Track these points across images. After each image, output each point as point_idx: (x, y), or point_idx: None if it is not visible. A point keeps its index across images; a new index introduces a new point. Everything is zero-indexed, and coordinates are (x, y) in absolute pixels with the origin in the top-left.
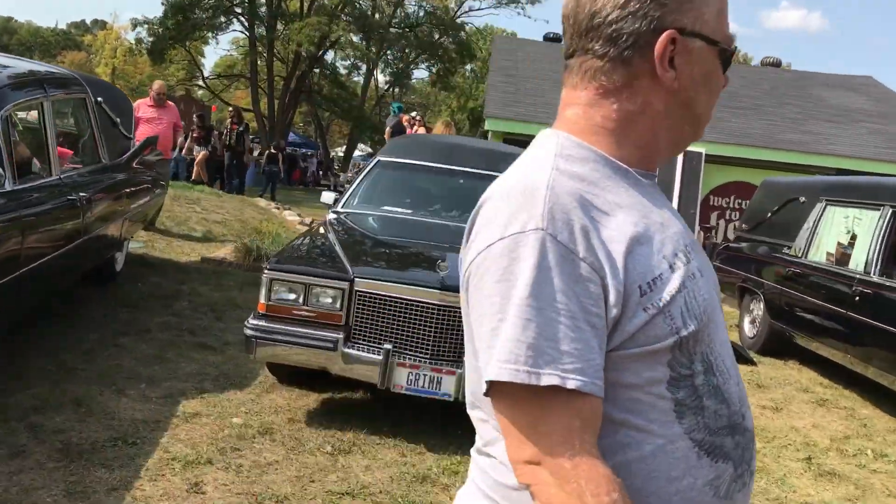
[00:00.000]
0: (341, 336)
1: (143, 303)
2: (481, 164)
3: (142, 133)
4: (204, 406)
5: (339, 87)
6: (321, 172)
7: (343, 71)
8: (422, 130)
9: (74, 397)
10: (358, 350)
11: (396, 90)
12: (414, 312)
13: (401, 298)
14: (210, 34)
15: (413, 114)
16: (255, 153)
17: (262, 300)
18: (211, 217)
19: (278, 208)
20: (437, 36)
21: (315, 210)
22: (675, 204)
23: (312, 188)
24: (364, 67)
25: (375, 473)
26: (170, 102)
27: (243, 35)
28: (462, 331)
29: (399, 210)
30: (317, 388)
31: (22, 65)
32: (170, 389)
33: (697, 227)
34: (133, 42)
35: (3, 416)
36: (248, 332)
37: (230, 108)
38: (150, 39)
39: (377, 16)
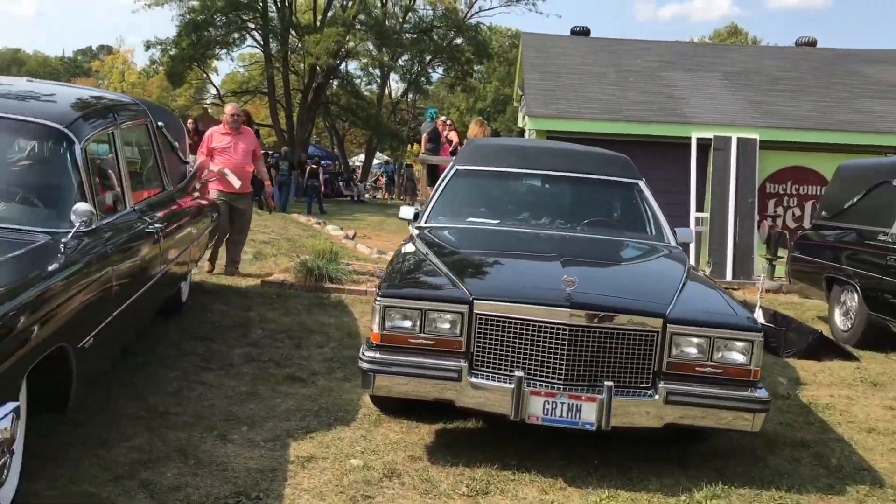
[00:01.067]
0: (465, 364)
1: (215, 333)
2: (570, 167)
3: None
4: (316, 448)
5: (356, 96)
6: (341, 183)
7: (358, 80)
8: (453, 134)
9: (178, 447)
10: (484, 379)
11: (410, 96)
12: (543, 334)
13: (527, 320)
14: (224, 51)
15: (443, 118)
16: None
17: (376, 329)
18: (257, 237)
19: (319, 223)
20: (451, 38)
21: (350, 222)
22: (731, 193)
23: (335, 200)
24: (378, 75)
25: None
26: (245, 127)
27: (255, 51)
28: (599, 352)
29: (487, 222)
30: (426, 419)
31: (86, 93)
32: (274, 430)
33: (756, 217)
34: (148, 63)
35: (113, 474)
36: (365, 364)
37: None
38: (165, 61)
39: (389, 22)
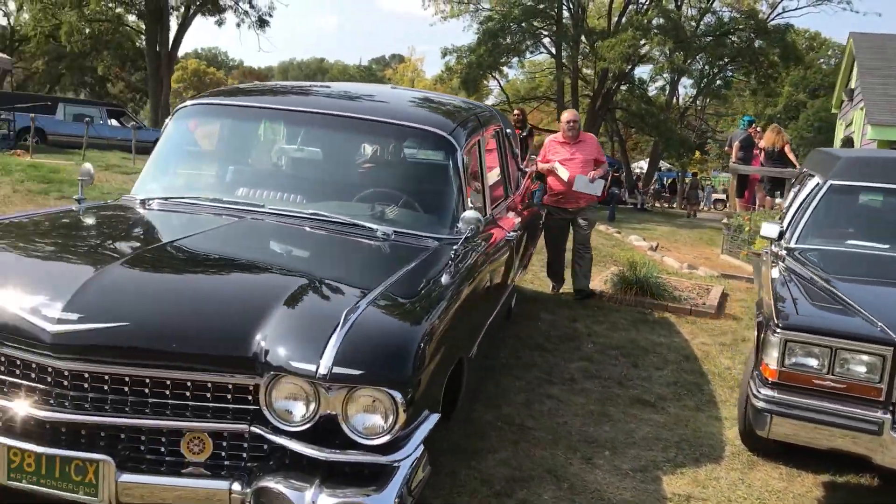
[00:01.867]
0: (887, 417)
1: (546, 343)
2: None
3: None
4: (691, 486)
5: (646, 101)
6: (625, 190)
7: (648, 85)
8: (763, 142)
9: (546, 466)
10: None
11: (699, 101)
12: None
13: None
14: (517, 59)
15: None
16: None
17: (773, 365)
18: None
19: (619, 232)
20: (751, 39)
21: (642, 232)
22: None
23: (618, 208)
24: (669, 79)
25: None
26: (586, 134)
27: (540, 58)
28: None
29: (876, 246)
30: (807, 466)
31: (450, 99)
32: (639, 460)
33: None
34: (443, 70)
35: (490, 490)
36: (761, 404)
37: (515, 112)
38: (461, 67)
39: (686, 24)
